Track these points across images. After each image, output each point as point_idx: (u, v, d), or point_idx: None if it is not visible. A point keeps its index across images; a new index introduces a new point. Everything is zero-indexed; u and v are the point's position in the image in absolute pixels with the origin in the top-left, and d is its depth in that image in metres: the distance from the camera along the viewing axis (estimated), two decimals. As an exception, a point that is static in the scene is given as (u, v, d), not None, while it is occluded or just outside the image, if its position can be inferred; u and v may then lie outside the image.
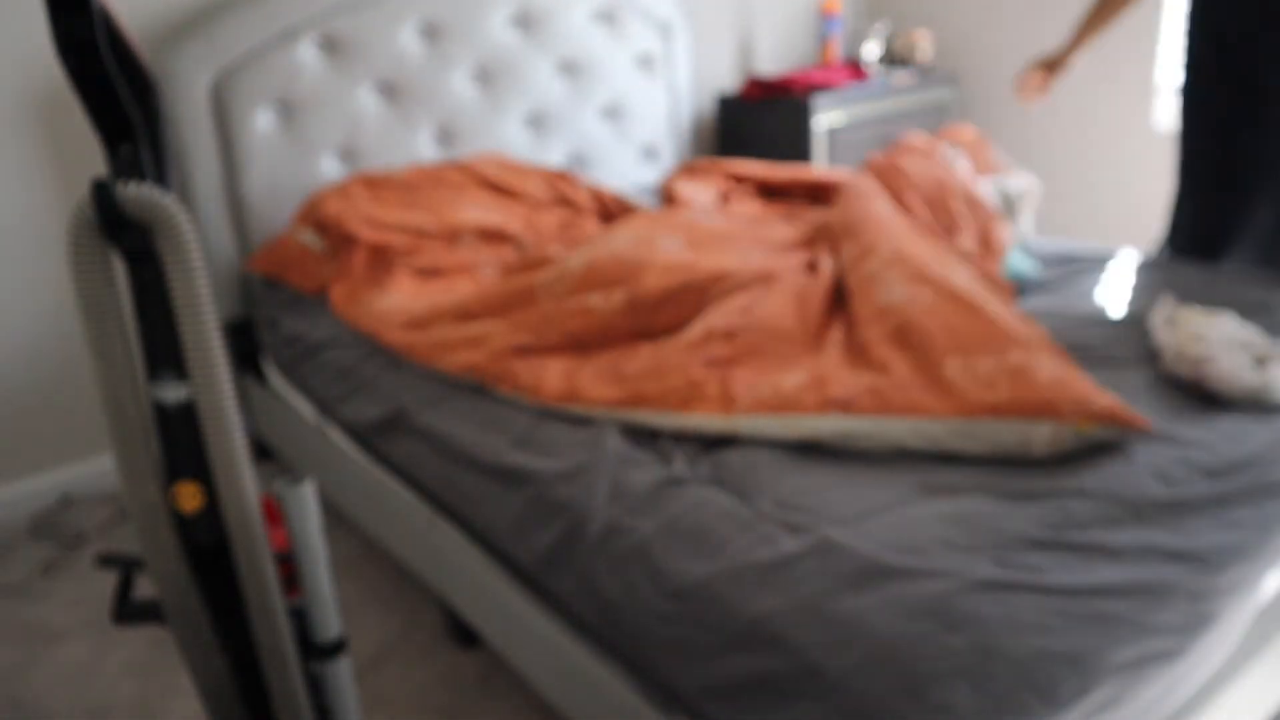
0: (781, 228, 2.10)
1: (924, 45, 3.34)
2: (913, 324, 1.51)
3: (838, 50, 3.36)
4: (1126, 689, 1.00)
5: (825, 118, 2.99)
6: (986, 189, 2.14)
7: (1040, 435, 1.27)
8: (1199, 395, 1.43)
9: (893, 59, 3.44)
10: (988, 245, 1.97)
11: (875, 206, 1.92)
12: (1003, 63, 3.40)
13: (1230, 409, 1.38)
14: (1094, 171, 3.26)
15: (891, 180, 2.10)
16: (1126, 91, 3.10)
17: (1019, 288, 1.93)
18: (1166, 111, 3.04)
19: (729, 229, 2.02)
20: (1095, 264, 2.05)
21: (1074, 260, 2.08)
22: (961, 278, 1.65)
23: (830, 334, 1.64)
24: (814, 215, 2.28)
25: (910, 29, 3.63)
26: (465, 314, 1.89)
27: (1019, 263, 1.97)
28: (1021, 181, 2.19)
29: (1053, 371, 1.36)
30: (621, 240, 1.90)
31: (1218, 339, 1.43)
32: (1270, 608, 1.27)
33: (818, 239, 2.02)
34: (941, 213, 2.03)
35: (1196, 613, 1.07)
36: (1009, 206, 2.14)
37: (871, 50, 3.31)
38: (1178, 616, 1.05)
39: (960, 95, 3.55)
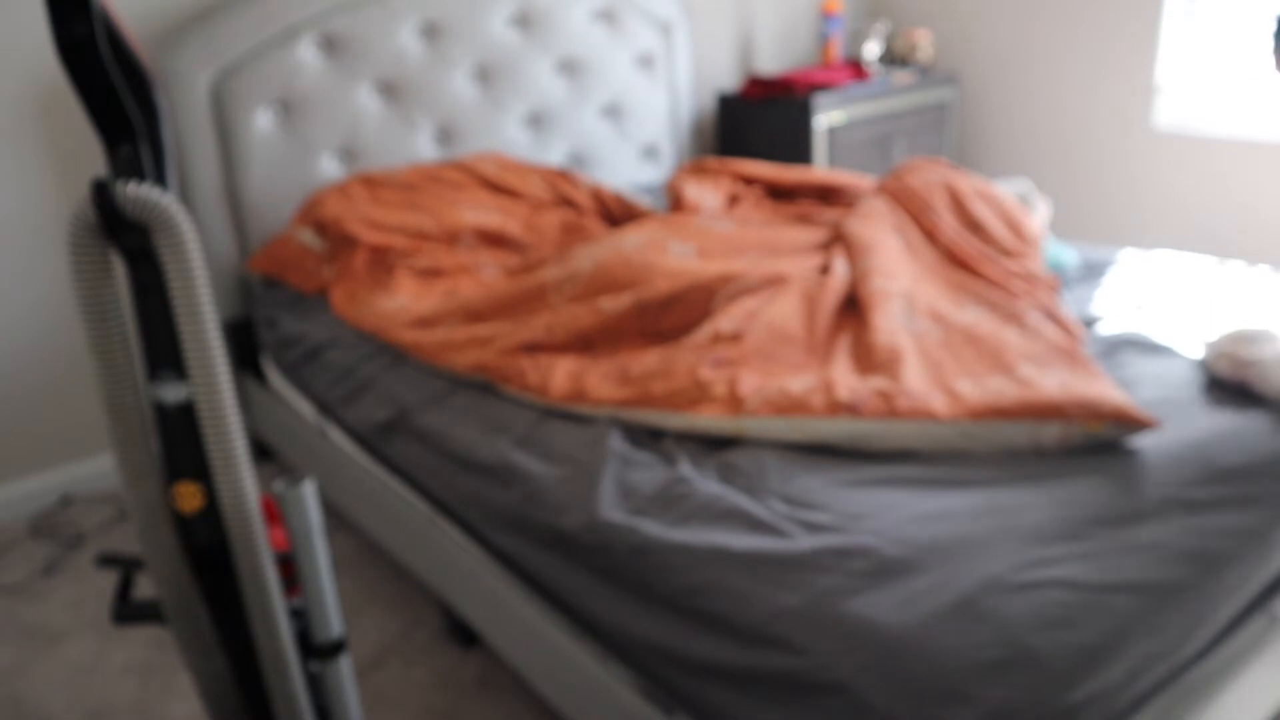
0: (795, 232, 2.08)
1: (924, 45, 3.34)
2: (925, 350, 1.54)
3: (838, 49, 3.36)
4: (1133, 683, 1.01)
5: (826, 117, 2.99)
6: (1000, 188, 2.14)
7: (1049, 435, 1.28)
8: (1241, 393, 1.43)
9: (893, 58, 3.44)
10: (1021, 237, 1.97)
11: (891, 241, 1.91)
12: (1003, 63, 3.40)
13: (1262, 409, 1.38)
14: (1094, 172, 3.26)
15: (907, 202, 2.07)
16: (1126, 91, 3.10)
17: (1062, 279, 1.94)
18: (1166, 111, 3.04)
19: (742, 236, 2.02)
20: (1113, 264, 2.05)
21: (1090, 263, 2.09)
22: (970, 315, 1.67)
23: (840, 339, 1.64)
24: (830, 216, 2.27)
25: (910, 29, 3.63)
26: (473, 314, 1.89)
27: (1058, 253, 1.98)
28: (1024, 186, 2.19)
29: (1061, 379, 1.37)
30: (631, 243, 1.90)
31: (1267, 343, 1.42)
32: (1272, 607, 1.27)
33: (833, 243, 2.01)
34: (963, 216, 2.01)
35: (1204, 612, 1.07)
36: (1024, 204, 2.14)
37: (872, 50, 3.31)
38: (1187, 615, 1.05)
39: (960, 95, 3.55)
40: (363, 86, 2.45)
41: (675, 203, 2.46)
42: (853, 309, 1.74)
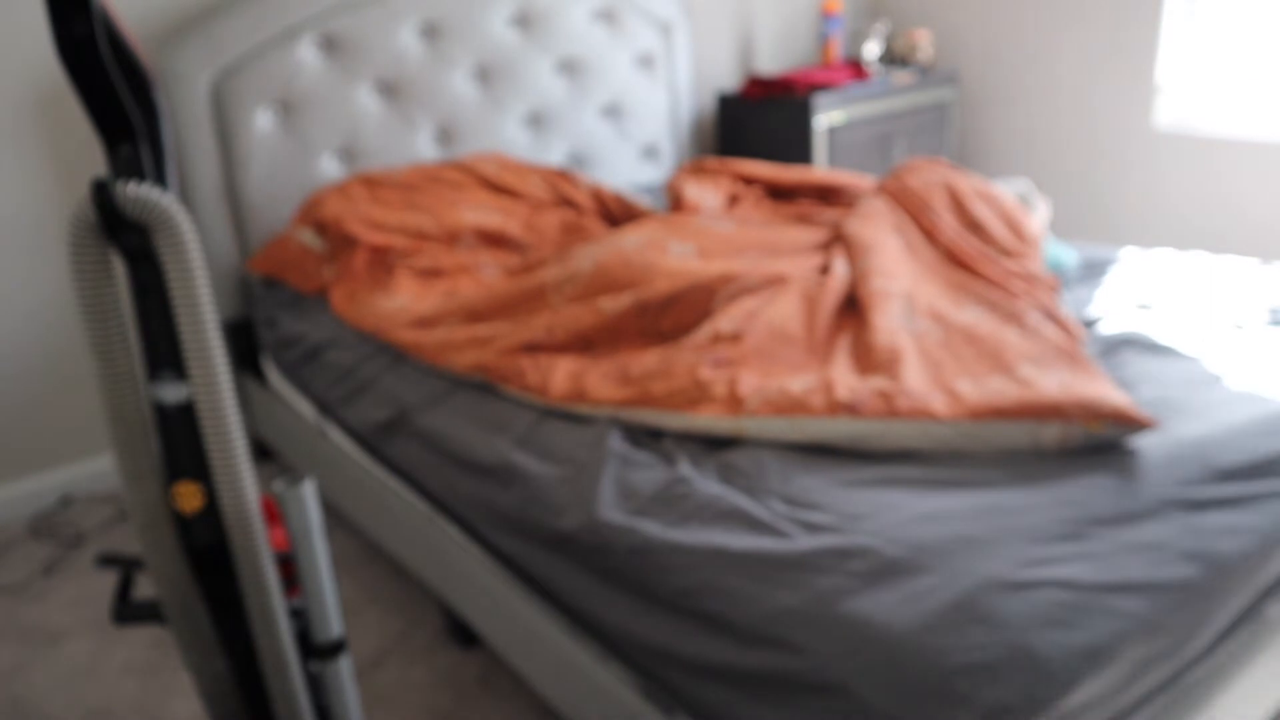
0: (795, 232, 2.08)
1: (924, 45, 3.34)
2: (925, 350, 1.54)
3: (838, 49, 3.36)
4: (1133, 684, 1.01)
5: (826, 117, 2.99)
6: (1000, 188, 2.14)
7: (1049, 435, 1.28)
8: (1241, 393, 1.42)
9: (893, 58, 3.44)
10: (1021, 237, 1.96)
11: (891, 241, 1.91)
12: (1003, 63, 3.40)
13: (1262, 409, 1.37)
14: (1094, 171, 3.26)
15: (907, 202, 2.06)
16: (1126, 91, 3.10)
17: (1062, 280, 1.94)
18: (1166, 111, 3.04)
19: (742, 236, 2.02)
20: (1113, 264, 2.05)
21: (1090, 262, 2.09)
22: (970, 315, 1.67)
23: (839, 339, 1.64)
24: (830, 216, 2.27)
25: (910, 28, 3.63)
26: (473, 314, 1.89)
27: (1058, 254, 1.97)
28: (1023, 186, 2.19)
29: (1060, 379, 1.37)
30: (631, 243, 1.90)
31: None
32: (1272, 607, 1.27)
33: (833, 243, 2.01)
34: (963, 217, 2.01)
35: (1205, 612, 1.07)
36: (1024, 204, 2.14)
37: (872, 49, 3.31)
38: (1188, 616, 1.05)
39: (960, 95, 3.55)
40: (363, 86, 2.45)
41: (675, 203, 2.46)
42: (853, 309, 1.74)
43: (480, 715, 1.60)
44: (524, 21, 2.71)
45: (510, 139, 2.76)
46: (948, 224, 1.98)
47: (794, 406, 1.39)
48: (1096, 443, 1.28)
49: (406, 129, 2.55)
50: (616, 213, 2.54)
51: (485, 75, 2.67)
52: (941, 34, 3.55)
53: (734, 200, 2.53)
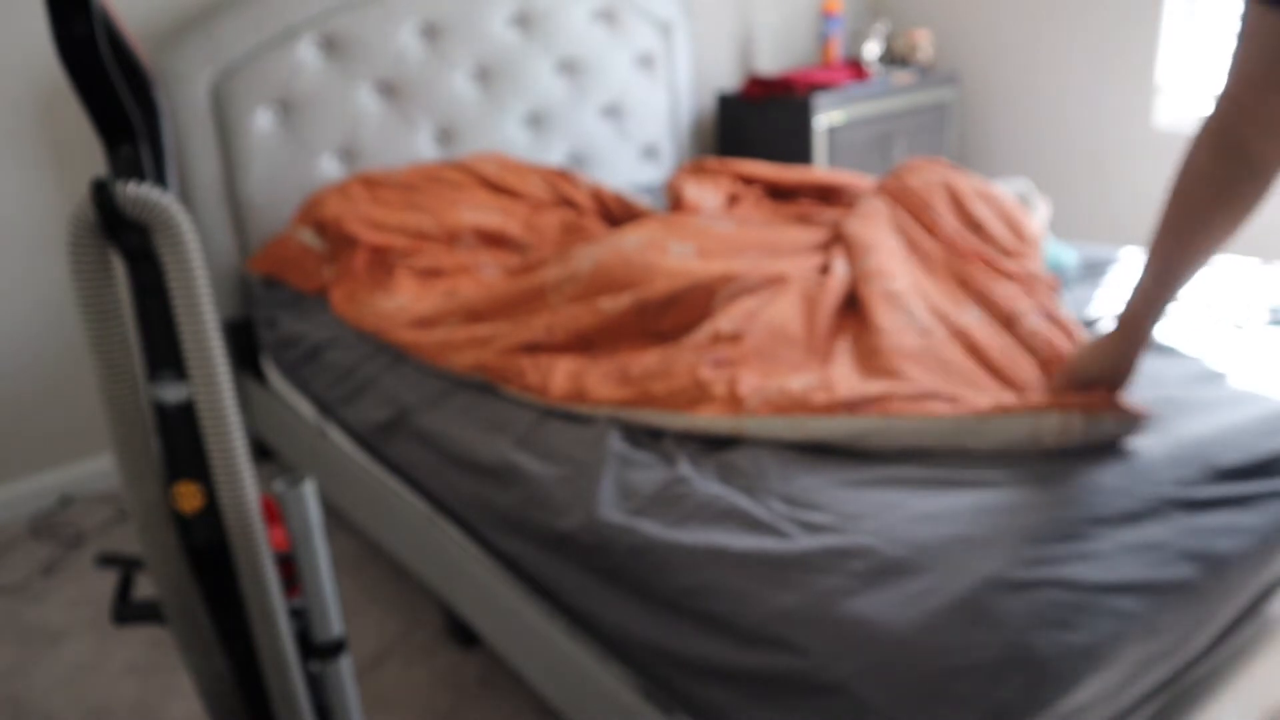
0: (795, 232, 2.08)
1: (924, 45, 3.34)
2: (925, 348, 1.53)
3: (838, 49, 3.36)
4: (1133, 684, 1.01)
5: (826, 117, 2.99)
6: (1000, 188, 2.14)
7: (1049, 427, 1.27)
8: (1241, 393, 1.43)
9: (893, 58, 3.44)
10: (1021, 237, 1.96)
11: (891, 241, 1.91)
12: (1003, 63, 3.40)
13: (1263, 409, 1.37)
14: (1094, 171, 3.26)
15: (907, 202, 2.06)
16: (1126, 91, 3.10)
17: (1062, 280, 1.94)
18: (1166, 111, 3.04)
19: (742, 236, 2.02)
20: (1114, 264, 2.05)
21: (1091, 262, 2.09)
22: (970, 315, 1.67)
23: (839, 339, 1.64)
24: (830, 216, 2.27)
25: (910, 28, 3.63)
26: (473, 314, 1.89)
27: (1058, 254, 1.97)
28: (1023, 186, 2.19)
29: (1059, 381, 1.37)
30: (631, 243, 1.90)
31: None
32: (1272, 607, 1.27)
33: (833, 243, 2.01)
34: (963, 216, 2.01)
35: (1205, 612, 1.07)
36: (1024, 204, 2.14)
37: (872, 50, 3.31)
38: (1188, 616, 1.05)
39: (960, 95, 3.55)
40: (363, 86, 2.45)
41: (675, 203, 2.46)
42: (853, 309, 1.74)
43: (480, 715, 1.60)
44: (524, 21, 2.71)
45: (510, 139, 2.76)
46: (948, 224, 1.97)
47: (794, 406, 1.39)
48: (1096, 438, 1.28)
49: (406, 129, 2.55)
50: (616, 213, 2.54)
51: (485, 75, 2.67)
52: (941, 34, 3.55)
53: (734, 200, 2.52)
